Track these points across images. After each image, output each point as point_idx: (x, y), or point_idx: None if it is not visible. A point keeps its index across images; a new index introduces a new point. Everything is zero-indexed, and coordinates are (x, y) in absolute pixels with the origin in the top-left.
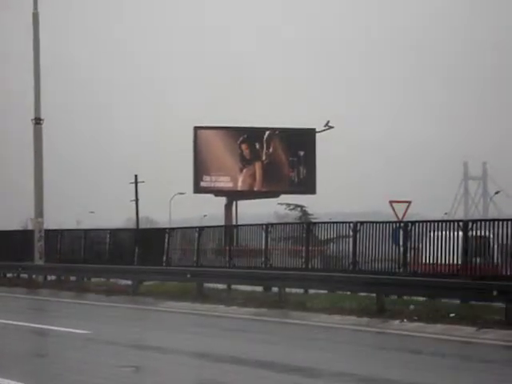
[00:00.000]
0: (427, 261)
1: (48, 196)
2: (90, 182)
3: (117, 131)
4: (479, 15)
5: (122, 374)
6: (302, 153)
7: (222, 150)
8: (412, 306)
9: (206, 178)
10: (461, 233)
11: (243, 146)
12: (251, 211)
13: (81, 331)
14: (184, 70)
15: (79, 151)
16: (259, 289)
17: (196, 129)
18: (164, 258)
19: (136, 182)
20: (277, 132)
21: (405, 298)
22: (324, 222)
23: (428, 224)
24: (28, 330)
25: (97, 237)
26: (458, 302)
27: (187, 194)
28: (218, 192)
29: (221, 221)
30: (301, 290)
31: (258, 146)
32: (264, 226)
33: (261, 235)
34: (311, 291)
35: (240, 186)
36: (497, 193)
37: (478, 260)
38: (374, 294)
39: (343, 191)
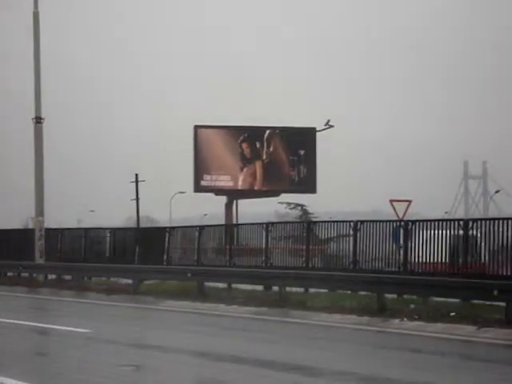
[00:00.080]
0: (418, 259)
1: (48, 195)
2: (91, 180)
3: (117, 130)
4: (479, 15)
5: (123, 373)
6: (302, 152)
7: (222, 149)
8: (412, 305)
9: (207, 176)
10: (448, 232)
11: (244, 145)
12: (251, 210)
13: (81, 330)
14: (184, 69)
15: (80, 150)
16: (260, 288)
17: (196, 128)
18: (164, 257)
19: (137, 181)
20: (277, 131)
21: (405, 296)
22: (324, 221)
23: (428, 223)
24: (29, 328)
25: (97, 236)
26: (458, 300)
27: (187, 192)
28: (218, 191)
29: (221, 220)
30: (301, 289)
31: (258, 145)
32: (264, 225)
33: (261, 234)
34: (312, 290)
35: (240, 184)
36: (497, 192)
37: (463, 259)
38: (375, 293)
39: (343, 190)
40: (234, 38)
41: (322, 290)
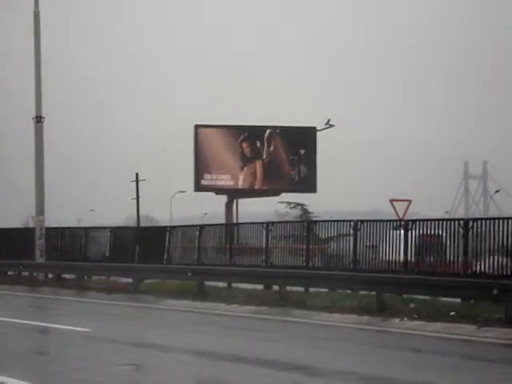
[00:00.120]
0: (385, 258)
1: (49, 194)
2: (91, 180)
3: (117, 130)
4: (479, 15)
5: (123, 372)
6: (302, 151)
7: (222, 149)
8: (412, 305)
9: (207, 176)
10: (415, 232)
11: (244, 145)
12: (252, 209)
13: (81, 329)
14: (184, 69)
15: (80, 150)
16: (260, 287)
17: (197, 127)
18: (165, 256)
19: (137, 181)
20: (277, 130)
21: (405, 296)
22: (324, 221)
23: (428, 223)
24: (29, 327)
25: (97, 235)
26: (458, 300)
27: (188, 192)
28: (218, 190)
29: (221, 219)
30: (301, 289)
31: (258, 145)
32: (264, 225)
33: (261, 233)
34: (312, 289)
35: (241, 184)
36: (497, 191)
37: (430, 258)
38: (375, 293)
39: (344, 190)
40: (234, 38)
41: (322, 290)
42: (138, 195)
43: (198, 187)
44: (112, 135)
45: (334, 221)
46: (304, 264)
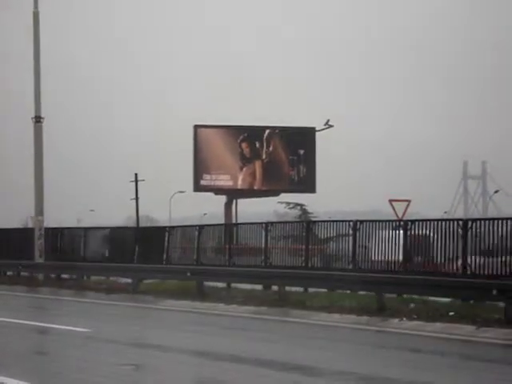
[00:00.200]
0: (375, 258)
1: (48, 194)
2: (91, 180)
3: (117, 130)
4: (479, 15)
5: (122, 372)
6: (301, 151)
7: (222, 149)
8: (412, 305)
9: (206, 176)
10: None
11: (243, 145)
12: (251, 210)
13: (81, 329)
14: (184, 69)
15: (79, 150)
16: (259, 287)
17: (196, 127)
18: (164, 257)
19: (136, 181)
20: (277, 131)
21: (404, 296)
22: (324, 221)
23: (427, 223)
24: (28, 328)
25: (97, 235)
26: (457, 300)
27: (187, 192)
28: (218, 190)
29: (221, 219)
30: (300, 289)
31: (258, 145)
32: (264, 225)
33: (261, 234)
34: (311, 290)
35: (240, 184)
36: (496, 192)
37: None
38: (374, 293)
39: (343, 190)
40: (234, 38)
41: (322, 290)
42: (137, 195)
43: (198, 187)
44: (112, 135)
45: (333, 221)
46: (303, 264)
